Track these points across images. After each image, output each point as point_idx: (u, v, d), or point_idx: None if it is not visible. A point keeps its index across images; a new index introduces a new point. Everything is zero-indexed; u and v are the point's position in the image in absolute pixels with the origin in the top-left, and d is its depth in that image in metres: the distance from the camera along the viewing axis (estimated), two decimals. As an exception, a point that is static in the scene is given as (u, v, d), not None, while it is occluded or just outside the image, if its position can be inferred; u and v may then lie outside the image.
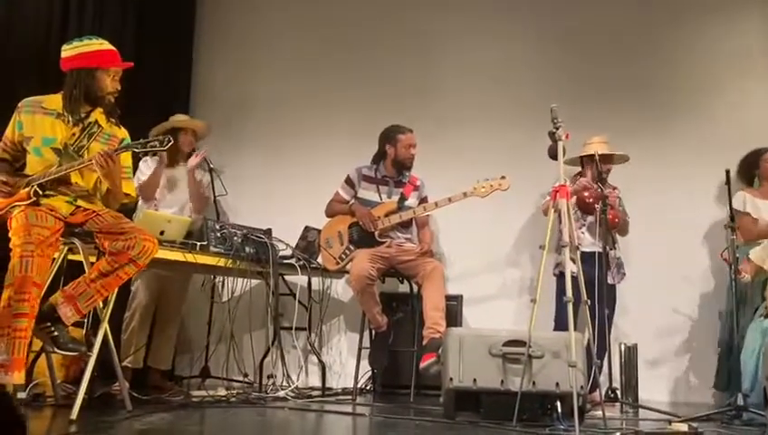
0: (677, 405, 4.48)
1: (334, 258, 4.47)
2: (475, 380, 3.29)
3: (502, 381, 3.28)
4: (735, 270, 3.88)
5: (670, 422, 3.39)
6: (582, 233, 4.39)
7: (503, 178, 4.24)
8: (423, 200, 4.52)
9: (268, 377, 4.34)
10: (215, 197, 4.74)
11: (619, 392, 4.16)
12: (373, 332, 4.42)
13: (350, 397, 4.28)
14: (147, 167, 4.49)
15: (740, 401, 3.63)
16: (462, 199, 4.26)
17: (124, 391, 3.20)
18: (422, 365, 3.98)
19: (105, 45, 3.25)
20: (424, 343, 4.04)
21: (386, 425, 3.25)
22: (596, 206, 4.21)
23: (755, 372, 3.66)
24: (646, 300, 4.77)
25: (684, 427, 3.16)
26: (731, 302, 4.44)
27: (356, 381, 4.40)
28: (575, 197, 4.30)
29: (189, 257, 3.78)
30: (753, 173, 4.58)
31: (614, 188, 4.57)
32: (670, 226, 4.87)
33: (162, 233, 3.67)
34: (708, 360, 4.66)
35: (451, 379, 3.31)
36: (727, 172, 3.86)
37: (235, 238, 4.07)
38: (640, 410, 4.03)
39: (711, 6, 5.27)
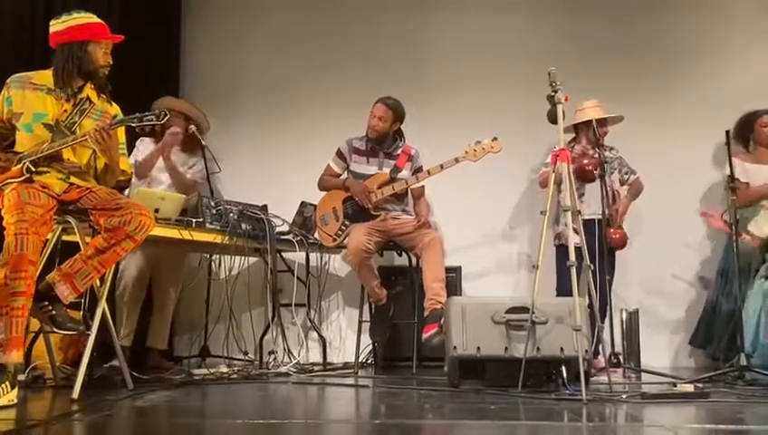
0: (679, 369, 4.49)
1: (331, 236, 4.43)
2: (478, 348, 3.27)
3: (506, 349, 3.27)
4: (736, 232, 3.87)
5: (675, 384, 3.39)
6: (582, 202, 4.35)
7: (494, 140, 4.18)
8: (417, 170, 4.44)
9: (269, 353, 4.31)
10: (208, 175, 4.68)
11: (621, 358, 4.16)
12: (373, 305, 4.40)
13: (351, 371, 4.26)
14: (145, 146, 4.44)
15: (743, 362, 3.63)
16: (455, 165, 4.19)
17: (124, 370, 3.17)
18: (425, 336, 3.96)
19: (94, 18, 3.18)
20: (425, 314, 4.01)
21: (389, 395, 3.23)
22: (595, 172, 4.18)
23: (757, 333, 3.66)
24: (646, 265, 4.77)
25: (689, 387, 3.17)
26: (723, 264, 4.47)
27: (357, 355, 4.38)
28: (574, 165, 4.27)
29: (185, 234, 3.73)
30: (748, 136, 4.55)
31: (611, 149, 4.54)
32: (669, 189, 4.85)
33: (157, 211, 3.62)
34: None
35: (455, 347, 3.29)
36: (727, 133, 3.83)
37: (231, 215, 4.02)
38: (643, 374, 4.03)
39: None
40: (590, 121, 4.33)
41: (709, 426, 2.45)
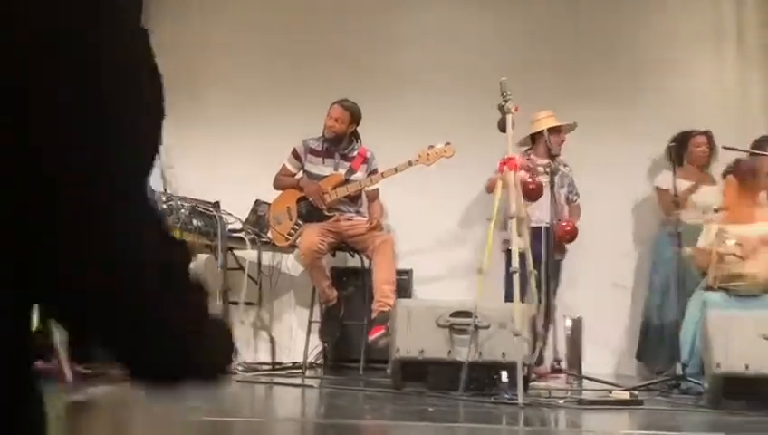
0: (620, 377, 4.59)
1: (283, 235, 4.43)
2: (422, 350, 3.31)
3: (449, 352, 3.31)
4: (678, 244, 3.98)
5: (611, 391, 3.47)
6: (529, 209, 4.40)
7: (447, 144, 4.23)
8: (372, 173, 4.47)
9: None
10: (162, 169, 4.62)
11: (563, 365, 4.24)
12: (323, 306, 4.41)
13: (299, 371, 4.26)
14: None
15: (678, 371, 3.73)
16: (408, 168, 4.23)
17: (63, 363, 3.12)
18: (371, 338, 3.99)
19: None
20: (373, 316, 4.04)
21: (334, 395, 3.26)
22: (540, 192, 4.26)
23: (693, 343, 3.77)
24: (593, 274, 4.86)
25: (625, 395, 3.25)
26: (657, 276, 4.62)
27: (306, 355, 4.38)
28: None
29: (134, 229, 3.69)
30: (681, 154, 4.65)
31: (565, 166, 4.63)
32: (616, 201, 4.96)
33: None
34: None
35: (398, 349, 3.32)
36: (669, 149, 3.95)
37: (182, 211, 3.99)
38: (584, 381, 4.12)
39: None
40: (556, 130, 4.42)
41: (642, 432, 2.53)
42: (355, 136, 4.55)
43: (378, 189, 4.54)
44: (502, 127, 3.30)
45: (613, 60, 5.24)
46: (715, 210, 4.07)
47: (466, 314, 3.34)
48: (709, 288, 3.91)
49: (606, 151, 4.96)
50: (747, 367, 3.02)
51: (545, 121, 4.49)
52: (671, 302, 4.37)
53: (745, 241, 3.81)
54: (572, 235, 4.36)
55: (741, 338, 3.08)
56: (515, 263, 3.15)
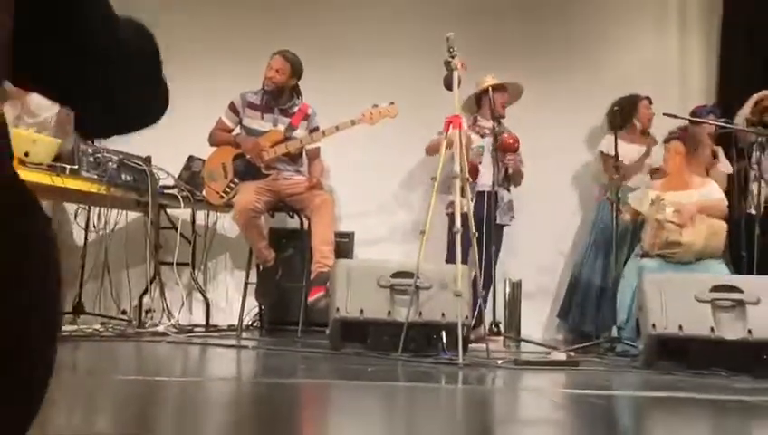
0: (556, 341, 4.65)
1: (218, 193, 4.25)
2: (362, 310, 3.25)
3: (389, 312, 3.26)
4: (617, 209, 4.02)
5: (549, 353, 3.50)
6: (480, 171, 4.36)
7: (391, 104, 4.12)
8: (314, 131, 4.31)
9: (146, 312, 4.13)
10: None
11: (502, 327, 4.26)
12: (260, 266, 4.28)
13: (235, 333, 4.15)
14: None
15: (614, 334, 3.79)
16: (350, 127, 4.10)
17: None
18: (310, 299, 3.89)
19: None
20: (312, 276, 3.95)
21: (270, 356, 3.16)
22: (517, 144, 4.25)
23: (631, 307, 3.83)
24: (531, 239, 4.88)
25: (562, 356, 3.27)
26: (593, 237, 4.69)
27: (241, 316, 4.27)
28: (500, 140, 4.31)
29: (57, 181, 3.48)
30: (629, 117, 4.68)
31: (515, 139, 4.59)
32: (548, 167, 4.96)
33: (27, 154, 3.35)
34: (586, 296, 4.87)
35: (338, 309, 3.25)
36: (613, 112, 3.96)
37: (110, 164, 3.79)
38: (522, 343, 4.15)
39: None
40: (502, 88, 4.37)
41: (578, 391, 2.53)
42: (296, 91, 4.37)
43: (319, 148, 4.40)
44: (447, 84, 3.22)
45: (556, 31, 5.22)
46: (652, 173, 4.11)
47: (408, 274, 3.28)
48: (645, 255, 3.97)
49: (546, 120, 4.95)
50: (681, 328, 3.07)
51: (490, 81, 4.44)
52: (609, 265, 4.43)
53: (684, 209, 3.87)
54: (516, 143, 4.35)
55: (676, 300, 3.13)
56: (458, 223, 3.10)
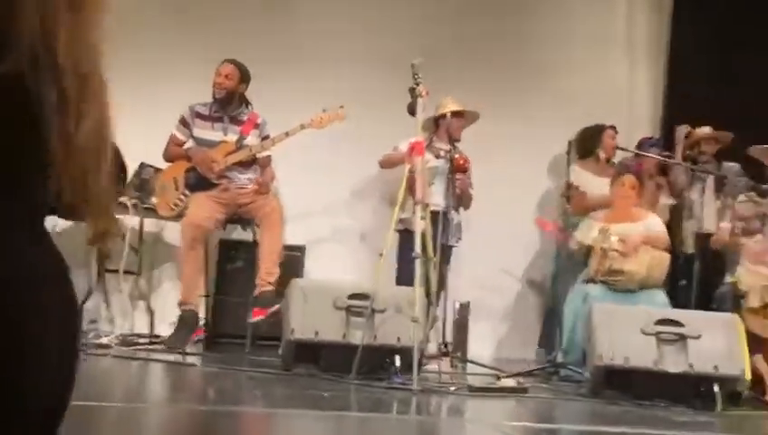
0: (501, 361, 4.72)
1: (169, 205, 4.14)
2: (317, 332, 3.22)
3: (344, 335, 3.24)
4: (565, 238, 4.12)
5: (498, 377, 3.55)
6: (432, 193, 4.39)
7: (341, 107, 4.08)
8: (265, 138, 4.24)
9: (90, 322, 3.99)
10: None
11: (450, 347, 4.29)
12: (180, 307, 3.96)
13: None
14: None
15: (559, 359, 3.88)
16: (300, 132, 4.04)
17: None
18: (251, 321, 3.85)
19: None
20: (255, 293, 3.88)
21: (217, 376, 3.10)
22: (467, 165, 4.30)
23: (573, 332, 3.93)
24: (481, 260, 4.95)
25: (512, 382, 3.33)
26: (555, 268, 4.78)
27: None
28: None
29: None
30: (594, 147, 4.77)
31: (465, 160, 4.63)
32: (508, 192, 5.04)
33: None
34: (531, 318, 4.97)
35: (293, 330, 3.22)
36: (569, 143, 4.05)
37: (59, 168, 3.64)
38: (469, 365, 4.19)
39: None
40: (460, 115, 4.41)
41: (528, 424, 2.59)
42: (244, 100, 4.31)
43: (270, 157, 4.33)
44: (411, 110, 3.24)
45: (516, 57, 5.31)
46: (564, 195, 4.19)
47: (364, 296, 3.28)
48: (590, 281, 4.08)
49: (501, 142, 5.03)
50: (627, 359, 3.17)
51: (449, 106, 4.47)
52: (558, 291, 4.53)
53: (628, 239, 4.00)
54: (467, 163, 4.41)
55: (622, 332, 3.23)
56: (418, 248, 3.12)
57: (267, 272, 3.89)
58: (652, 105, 5.55)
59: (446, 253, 4.35)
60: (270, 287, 3.83)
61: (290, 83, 4.94)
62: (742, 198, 4.06)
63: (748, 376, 3.12)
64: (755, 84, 5.14)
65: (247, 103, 4.32)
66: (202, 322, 4.42)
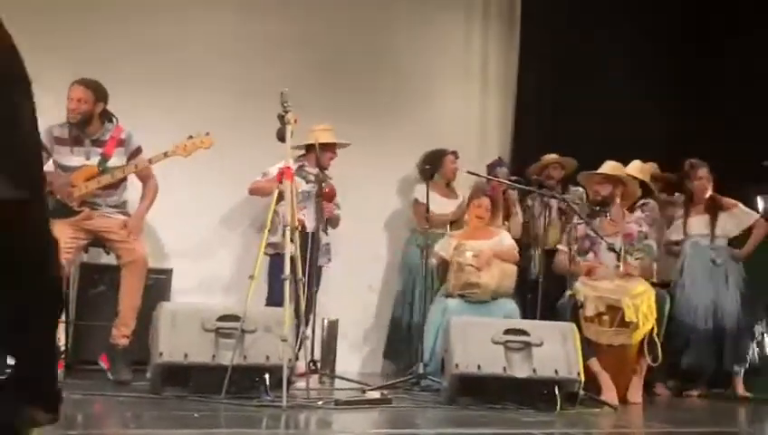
0: (367, 375, 4.93)
1: None
2: (186, 354, 3.26)
3: (213, 356, 3.30)
4: (426, 254, 4.42)
5: (364, 391, 3.74)
6: (303, 216, 4.52)
7: (207, 134, 4.03)
8: (134, 153, 4.08)
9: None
10: None
11: (318, 364, 4.44)
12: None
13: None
14: None
15: (420, 370, 4.13)
16: (163, 159, 3.98)
17: None
18: (105, 366, 3.89)
19: None
20: (111, 341, 3.88)
21: (86, 402, 3.05)
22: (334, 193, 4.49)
23: (434, 344, 4.20)
24: (349, 280, 5.15)
25: (377, 394, 3.53)
26: (403, 283, 5.10)
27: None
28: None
29: None
30: (435, 170, 5.09)
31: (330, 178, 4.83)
32: (374, 213, 5.32)
33: None
34: (396, 334, 5.24)
35: (161, 354, 3.23)
36: (424, 166, 4.40)
37: None
38: (337, 380, 4.36)
39: (426, 21, 5.87)
40: (331, 146, 4.61)
41: (390, 431, 2.78)
42: (106, 117, 4.10)
43: (149, 169, 4.11)
44: (281, 136, 3.38)
45: (377, 87, 5.61)
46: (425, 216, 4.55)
47: (233, 317, 3.35)
48: (449, 295, 4.40)
49: (364, 167, 5.27)
50: (479, 367, 3.45)
51: (321, 135, 4.63)
52: (416, 305, 4.82)
53: (481, 254, 4.36)
54: (333, 193, 4.68)
55: (475, 342, 3.52)
56: (287, 270, 3.25)
57: (125, 324, 3.87)
58: (502, 134, 6.05)
59: (316, 273, 4.50)
60: (126, 341, 3.86)
61: (154, 109, 4.90)
62: (577, 219, 4.53)
63: (582, 378, 3.51)
64: (592, 113, 5.79)
65: (110, 118, 4.12)
66: (62, 350, 4.28)
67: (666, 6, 6.11)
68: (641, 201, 4.88)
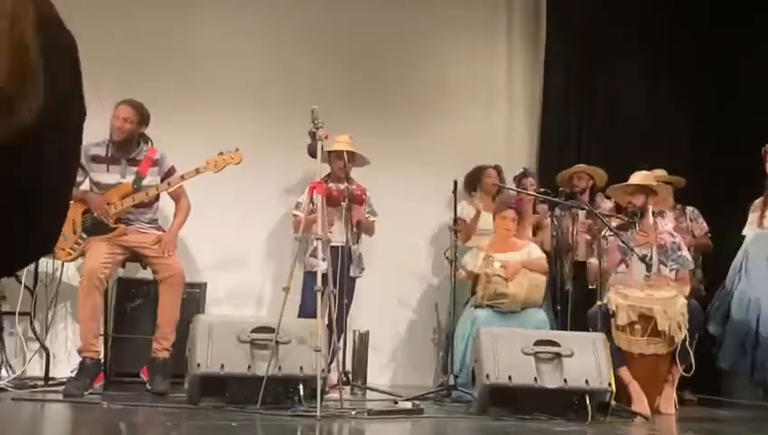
0: (398, 387, 4.97)
1: (66, 250, 4.06)
2: (222, 365, 3.34)
3: (249, 367, 3.38)
4: (455, 268, 4.45)
5: (396, 401, 3.79)
6: (330, 231, 4.58)
7: (236, 150, 4.13)
8: (168, 173, 4.21)
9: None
10: None
11: (350, 375, 4.50)
12: (80, 355, 3.95)
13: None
14: None
15: (451, 382, 4.17)
16: (196, 175, 4.10)
17: None
18: (146, 378, 3.98)
19: None
20: (151, 356, 3.98)
21: (126, 413, 3.15)
22: (342, 202, 4.47)
23: (464, 355, 4.24)
24: (380, 292, 5.22)
25: (408, 405, 3.58)
26: (450, 295, 5.11)
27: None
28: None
29: None
30: (476, 185, 5.26)
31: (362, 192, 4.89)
32: (405, 225, 5.37)
33: None
34: (426, 346, 5.27)
35: (198, 365, 3.32)
36: (455, 182, 4.44)
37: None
38: (368, 391, 4.41)
39: (455, 40, 5.98)
40: (341, 153, 4.62)
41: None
42: (143, 139, 4.27)
43: (181, 187, 4.25)
44: (312, 152, 3.47)
45: (407, 104, 5.70)
46: (453, 229, 4.55)
47: (267, 329, 3.43)
48: (478, 306, 4.43)
49: (397, 180, 5.36)
50: (510, 378, 3.48)
51: (342, 145, 4.69)
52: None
53: (509, 264, 4.39)
54: (364, 194, 4.71)
55: (506, 353, 3.55)
56: (319, 282, 3.33)
57: (164, 338, 3.97)
58: (527, 146, 6.09)
59: (349, 285, 4.57)
60: (166, 354, 3.95)
61: (187, 127, 5.04)
62: (607, 231, 4.54)
63: (613, 388, 3.52)
64: (615, 129, 5.82)
65: (146, 141, 4.28)
66: (101, 362, 4.39)
67: (690, 24, 6.05)
68: (677, 206, 4.91)
